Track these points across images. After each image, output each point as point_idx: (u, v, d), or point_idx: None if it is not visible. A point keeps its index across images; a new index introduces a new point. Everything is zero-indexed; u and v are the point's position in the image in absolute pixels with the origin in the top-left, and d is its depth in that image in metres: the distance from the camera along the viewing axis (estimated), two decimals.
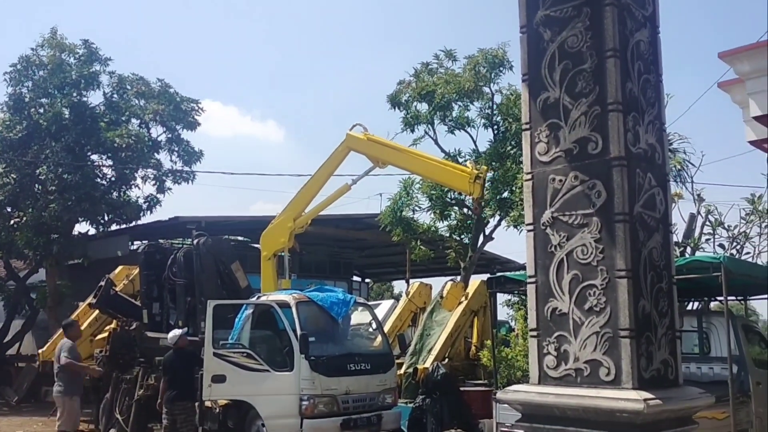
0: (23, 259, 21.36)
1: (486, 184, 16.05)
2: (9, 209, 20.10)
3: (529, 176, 4.59)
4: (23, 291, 22.26)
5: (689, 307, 12.39)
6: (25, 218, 19.22)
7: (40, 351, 15.61)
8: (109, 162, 20.14)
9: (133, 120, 20.70)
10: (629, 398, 3.82)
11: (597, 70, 4.37)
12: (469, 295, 13.25)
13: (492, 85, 16.31)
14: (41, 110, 19.66)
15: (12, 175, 19.21)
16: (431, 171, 12.67)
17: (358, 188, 12.70)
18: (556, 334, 4.24)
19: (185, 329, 11.43)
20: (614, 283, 4.08)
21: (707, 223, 14.69)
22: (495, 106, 16.46)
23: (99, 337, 14.36)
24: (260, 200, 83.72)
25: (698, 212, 14.77)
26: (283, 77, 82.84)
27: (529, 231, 4.53)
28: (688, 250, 14.06)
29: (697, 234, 14.61)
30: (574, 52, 4.47)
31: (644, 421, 3.79)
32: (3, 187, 19.30)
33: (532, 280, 4.43)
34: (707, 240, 14.59)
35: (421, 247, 17.10)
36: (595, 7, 4.41)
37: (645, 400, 3.79)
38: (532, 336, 4.37)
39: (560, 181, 4.40)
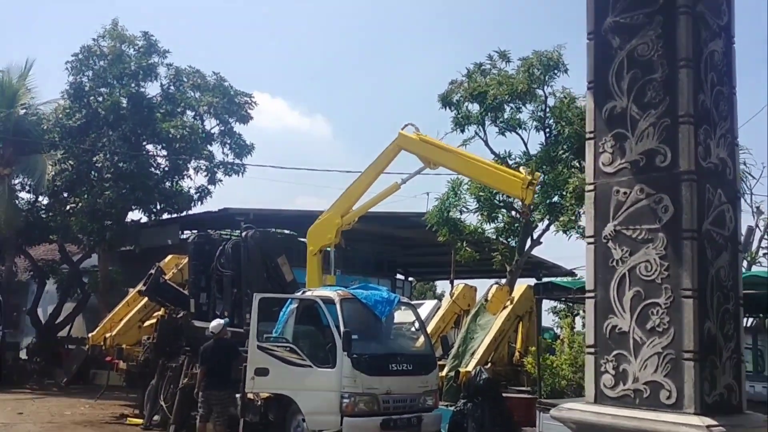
0: (77, 243, 21.99)
1: (536, 188, 15.91)
2: (65, 195, 20.71)
3: (592, 187, 4.44)
4: (76, 275, 22.93)
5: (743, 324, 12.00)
6: (80, 204, 19.75)
7: (90, 335, 16.00)
8: (164, 152, 20.56)
9: (188, 112, 21.10)
10: (691, 424, 3.67)
11: (668, 81, 4.21)
12: (515, 300, 13.06)
13: (545, 87, 16.04)
14: (100, 99, 20.18)
15: (70, 161, 19.77)
16: (484, 175, 12.59)
17: (405, 186, 12.79)
18: (614, 353, 4.10)
19: (227, 319, 11.59)
20: (679, 302, 3.92)
21: (765, 236, 14.22)
22: (548, 109, 16.19)
23: (147, 323, 14.68)
24: (304, 194, 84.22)
25: (756, 225, 14.33)
26: (331, 72, 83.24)
27: (589, 244, 4.39)
28: (745, 264, 13.62)
29: (754, 248, 14.15)
30: (644, 61, 4.32)
31: None
32: (61, 174, 19.89)
33: (591, 294, 4.29)
34: (765, 254, 14.12)
35: (467, 248, 16.95)
36: (669, 15, 4.25)
37: (708, 426, 3.63)
38: (588, 353, 4.23)
39: (625, 193, 4.26)
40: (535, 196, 15.67)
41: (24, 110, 21.17)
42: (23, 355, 23.05)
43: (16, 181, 21.80)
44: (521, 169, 12.81)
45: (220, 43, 75.00)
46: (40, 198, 22.32)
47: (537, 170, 15.57)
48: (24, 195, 22.68)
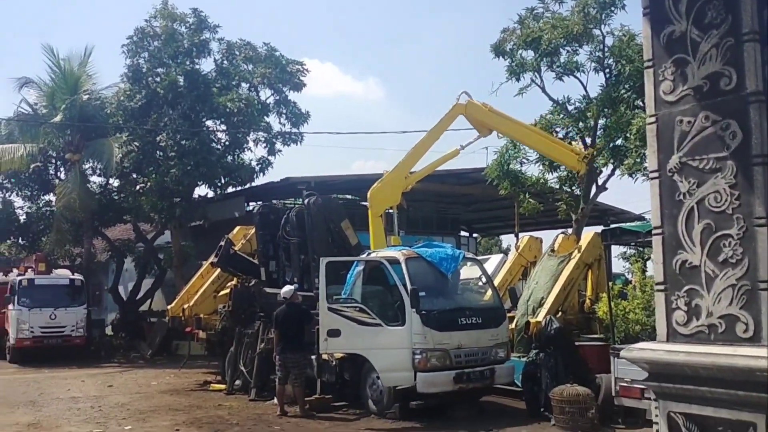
0: (150, 222, 22.81)
1: (598, 132, 15.47)
2: (134, 175, 21.44)
3: (653, 119, 4.23)
4: (151, 252, 23.85)
5: None
6: (149, 183, 20.42)
7: (168, 307, 16.63)
8: (223, 127, 20.94)
9: (243, 84, 21.37)
10: None
11: None
12: (582, 248, 12.78)
13: (603, 26, 15.36)
14: (158, 79, 20.63)
15: (135, 143, 20.40)
16: (543, 146, 14.39)
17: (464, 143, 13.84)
18: (686, 288, 3.94)
19: (296, 285, 11.84)
20: (752, 232, 3.72)
21: None
22: (606, 49, 15.55)
23: (222, 293, 15.14)
24: (361, 159, 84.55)
25: None
26: (379, 32, 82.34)
27: (653, 178, 4.20)
28: None
29: None
30: None
31: None
32: (128, 155, 20.57)
33: (659, 231, 4.12)
34: None
35: (530, 200, 16.63)
36: None
37: None
38: (658, 290, 4.09)
39: (689, 122, 4.03)
40: (597, 138, 15.40)
41: (87, 96, 21.88)
42: (109, 331, 24.30)
43: (87, 166, 22.69)
44: (573, 143, 13.99)
45: (265, 13, 75.12)
46: (111, 180, 23.22)
47: (598, 113, 15.24)
48: (95, 179, 23.69)
